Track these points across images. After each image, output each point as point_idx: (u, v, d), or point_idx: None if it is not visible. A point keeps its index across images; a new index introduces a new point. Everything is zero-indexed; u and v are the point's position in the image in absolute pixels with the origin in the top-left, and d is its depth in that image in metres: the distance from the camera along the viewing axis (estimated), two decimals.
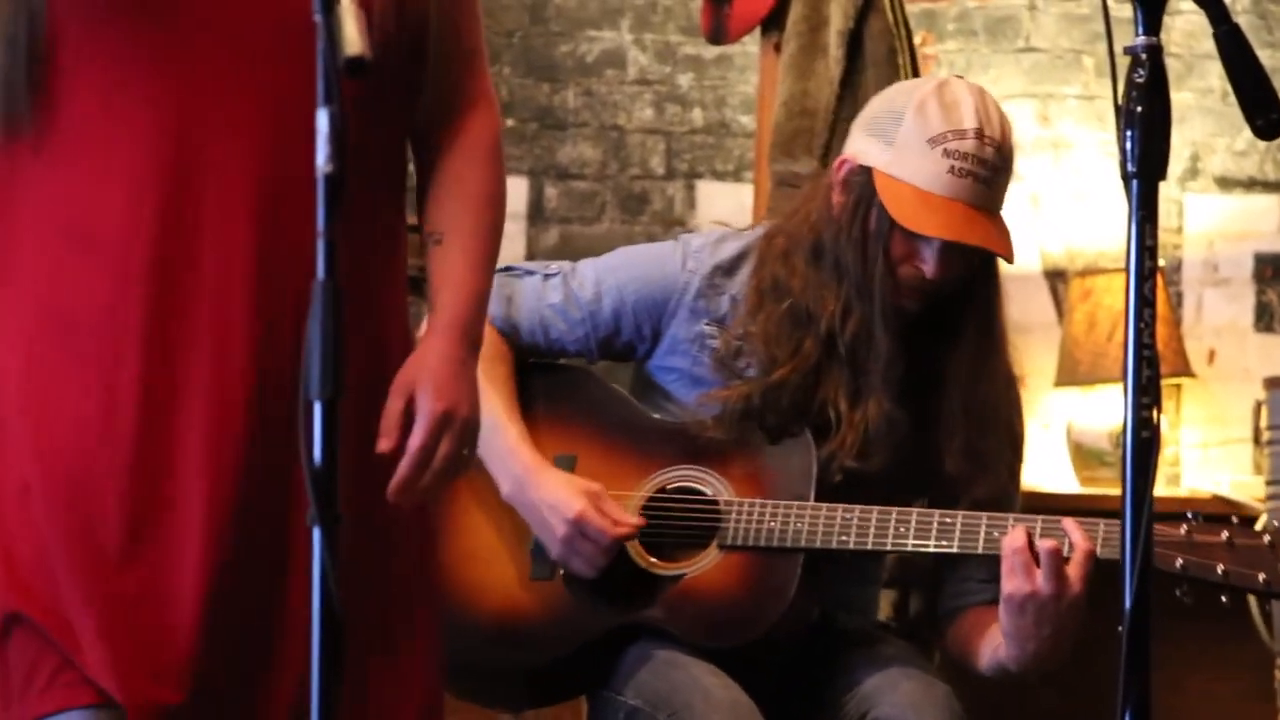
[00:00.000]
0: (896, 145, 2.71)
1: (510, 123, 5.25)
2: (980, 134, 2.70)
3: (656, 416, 2.86)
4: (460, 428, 2.08)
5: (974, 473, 2.75)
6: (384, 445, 2.03)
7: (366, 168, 2.04)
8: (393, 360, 2.10)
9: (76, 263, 1.99)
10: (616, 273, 2.88)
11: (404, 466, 2.04)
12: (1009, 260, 2.74)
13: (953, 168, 2.68)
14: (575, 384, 2.92)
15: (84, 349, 1.98)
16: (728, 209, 5.14)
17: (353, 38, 1.56)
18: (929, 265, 2.69)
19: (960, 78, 2.80)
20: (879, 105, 2.82)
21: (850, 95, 3.78)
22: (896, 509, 2.68)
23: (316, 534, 1.55)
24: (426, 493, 2.08)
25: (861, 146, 2.77)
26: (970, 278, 2.77)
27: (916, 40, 4.09)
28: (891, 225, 2.70)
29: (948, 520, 2.66)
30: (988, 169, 2.70)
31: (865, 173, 2.73)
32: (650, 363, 2.89)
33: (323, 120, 1.59)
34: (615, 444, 2.84)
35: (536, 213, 5.32)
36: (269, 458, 1.99)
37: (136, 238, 1.98)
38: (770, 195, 3.88)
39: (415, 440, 2.05)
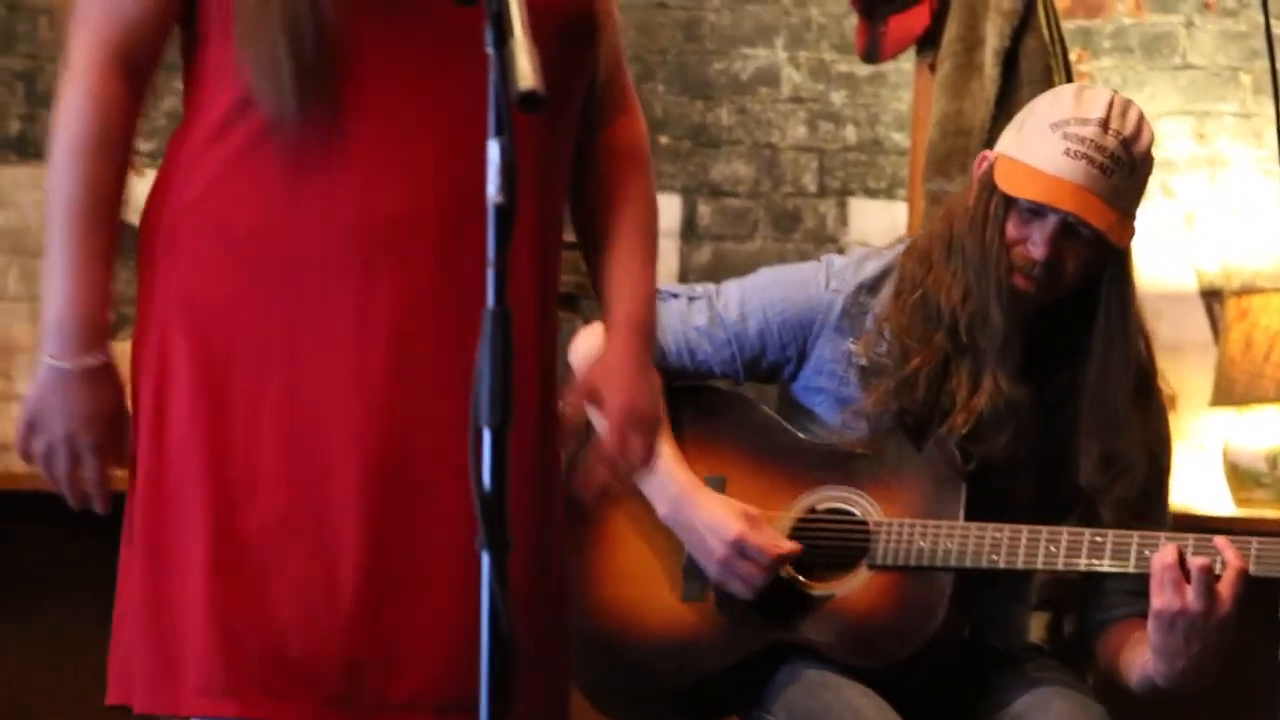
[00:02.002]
0: (1024, 131, 2.75)
1: (664, 140, 5.28)
2: (1104, 124, 2.70)
3: (804, 437, 2.87)
4: (647, 424, 2.14)
5: (1112, 479, 2.75)
6: (570, 444, 2.07)
7: (534, 186, 2.08)
8: (544, 379, 2.14)
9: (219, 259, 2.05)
10: (761, 293, 2.90)
11: (598, 466, 2.08)
12: (1117, 244, 2.73)
13: (1068, 149, 2.69)
14: (723, 405, 2.94)
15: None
16: (880, 226, 5.15)
17: (526, 72, 1.58)
18: (1039, 247, 2.70)
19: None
20: (1027, 106, 2.85)
21: (1005, 114, 3.77)
22: (1046, 528, 2.69)
23: (486, 560, 1.58)
24: (612, 487, 2.13)
25: (1000, 139, 2.81)
26: (1098, 276, 2.77)
27: (1072, 57, 4.08)
28: (1008, 207, 2.72)
29: (1098, 539, 2.66)
30: (1106, 157, 2.70)
31: (993, 160, 2.77)
32: (796, 383, 2.90)
33: (494, 151, 1.62)
34: (764, 465, 2.86)
35: (689, 230, 5.35)
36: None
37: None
38: (924, 214, 3.88)
39: (609, 440, 2.09)
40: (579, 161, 2.20)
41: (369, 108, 2.03)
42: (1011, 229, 2.73)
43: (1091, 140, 2.69)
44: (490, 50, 1.66)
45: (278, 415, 2.03)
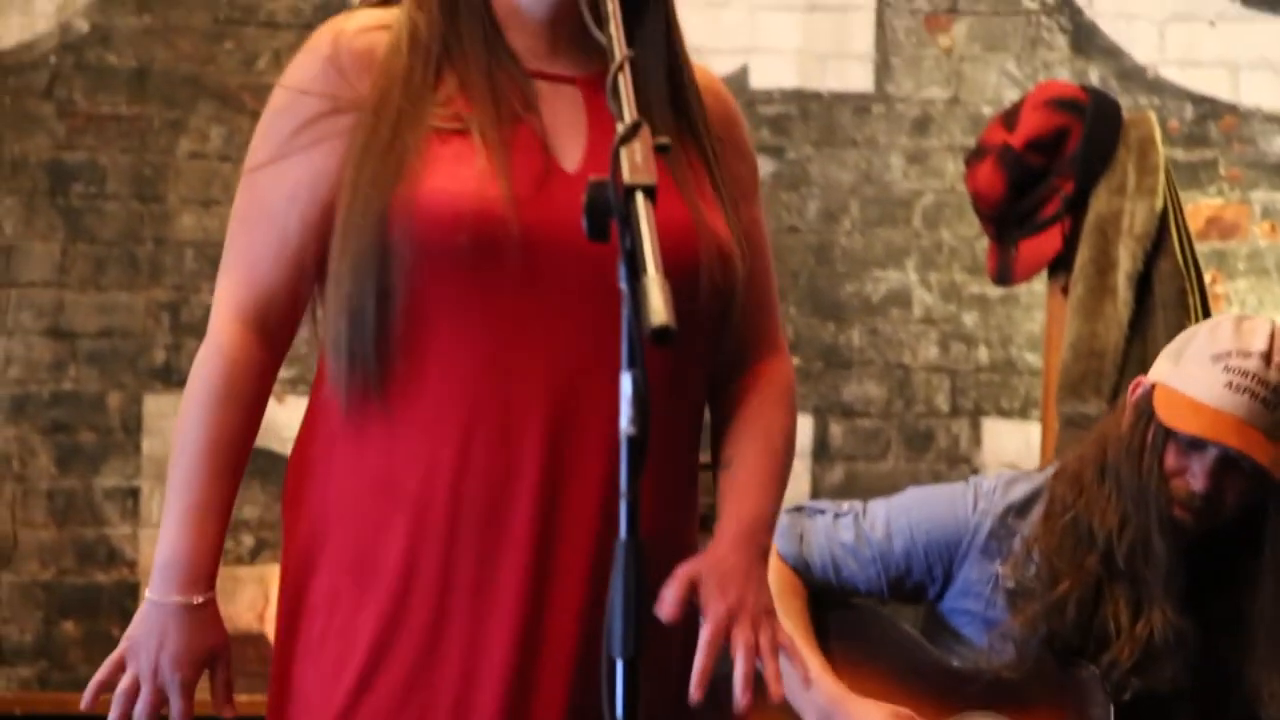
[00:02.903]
0: (1183, 361, 2.74)
1: (796, 361, 5.30)
2: (1267, 357, 2.70)
3: (949, 658, 2.85)
4: (753, 614, 2.08)
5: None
6: (667, 613, 2.04)
7: (668, 417, 2.10)
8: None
9: (380, 512, 2.08)
10: (908, 513, 2.89)
11: (700, 658, 2.07)
12: (1275, 477, 2.71)
13: (1230, 382, 2.68)
14: (867, 623, 2.92)
15: (376, 587, 2.07)
16: (1014, 447, 5.13)
17: (658, 308, 1.59)
18: (1198, 479, 2.68)
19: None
20: (1184, 334, 2.85)
21: (1140, 337, 3.77)
22: None
23: None
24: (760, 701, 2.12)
25: (1155, 367, 2.80)
26: (1259, 504, 2.74)
27: (1207, 279, 4.07)
28: (1167, 437, 2.71)
29: None
30: (1269, 390, 2.69)
31: (1150, 388, 2.75)
32: (942, 604, 2.89)
33: (626, 384, 1.64)
34: (908, 686, 2.84)
35: (821, 450, 5.35)
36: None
37: (436, 490, 2.06)
38: (1058, 436, 3.86)
39: (705, 632, 2.06)
40: (722, 394, 2.22)
41: (448, 371, 2.07)
42: (1170, 459, 2.71)
43: (1254, 374, 2.69)
44: (624, 285, 1.68)
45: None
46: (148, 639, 2.09)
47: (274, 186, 2.11)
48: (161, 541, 2.11)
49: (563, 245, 2.03)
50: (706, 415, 2.23)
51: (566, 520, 2.06)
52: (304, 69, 2.13)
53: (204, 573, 2.10)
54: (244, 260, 2.13)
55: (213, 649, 2.11)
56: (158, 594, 2.10)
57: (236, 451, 2.11)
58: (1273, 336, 2.72)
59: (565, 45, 2.15)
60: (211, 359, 2.11)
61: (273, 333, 2.13)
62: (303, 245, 2.11)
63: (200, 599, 2.10)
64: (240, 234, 2.14)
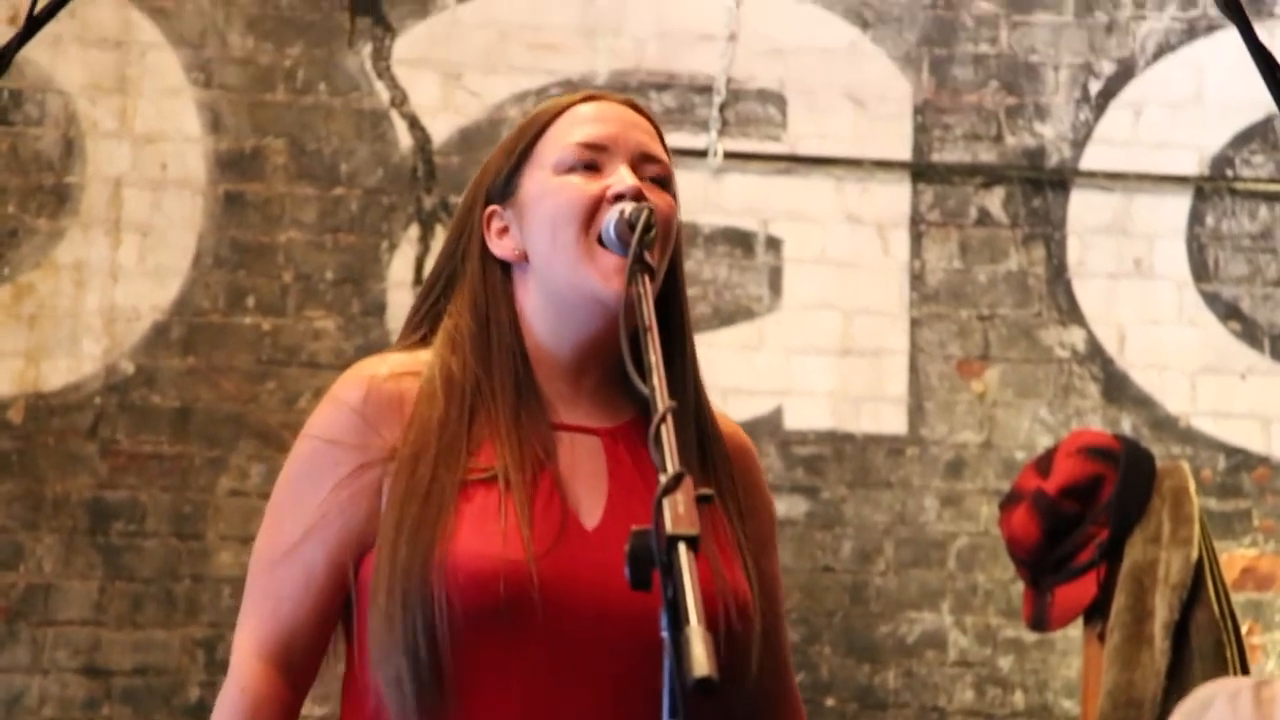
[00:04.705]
0: None
1: (830, 702, 5.27)
2: None
3: None
4: None
5: None
6: None
7: None
8: None
9: None
10: None
11: None
12: None
13: None
14: None
15: None
16: None
17: (701, 660, 1.61)
18: None
19: None
20: (1202, 695, 2.82)
21: (1177, 687, 3.75)
22: None
23: None
24: None
25: None
26: None
27: (1243, 630, 4.06)
28: None
29: None
30: None
31: None
32: None
33: None
34: None
35: None
36: None
37: None
38: None
39: None
40: None
41: (492, 712, 2.09)
42: None
43: None
44: (666, 635, 1.70)
45: None
46: None
47: (299, 529, 2.15)
48: None
49: (581, 603, 2.07)
50: None
51: None
52: (331, 418, 2.18)
53: None
54: (267, 599, 2.16)
55: None
56: None
57: None
58: None
59: (589, 395, 2.21)
60: (235, 697, 2.14)
61: (296, 671, 2.16)
62: (327, 586, 2.15)
63: None
64: (263, 574, 2.17)
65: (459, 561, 2.07)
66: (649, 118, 2.29)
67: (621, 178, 2.19)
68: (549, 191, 2.21)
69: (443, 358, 2.19)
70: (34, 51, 5.23)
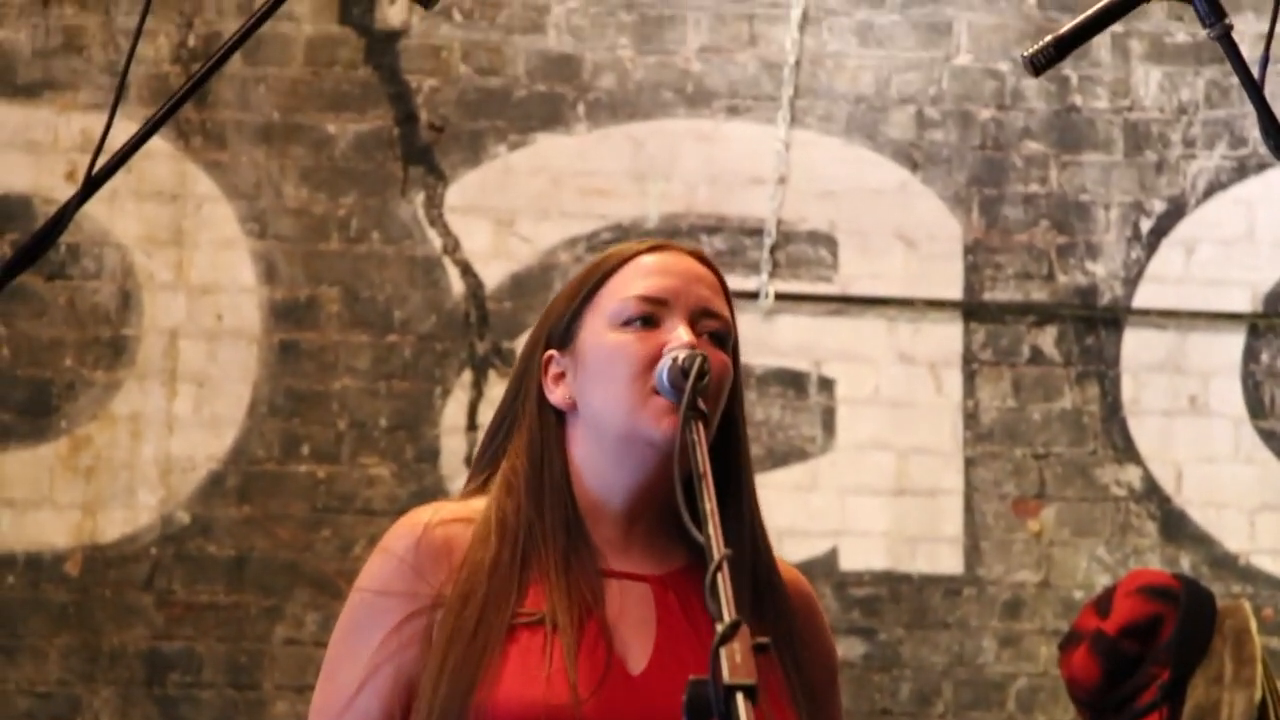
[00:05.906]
0: None
1: None
2: None
3: None
4: None
5: None
6: None
7: None
8: None
9: None
10: None
11: None
12: None
13: None
14: None
15: None
16: None
17: None
18: None
19: None
20: None
21: None
22: None
23: None
24: None
25: None
26: None
27: None
28: None
29: None
30: None
31: None
32: None
33: None
34: None
35: None
36: None
37: None
38: None
39: None
40: None
41: None
42: None
43: None
44: None
45: None
46: None
47: (354, 683, 2.16)
48: None
49: None
50: None
51: None
52: (380, 569, 2.20)
53: None
54: None
55: None
56: None
57: None
58: None
59: (640, 542, 2.21)
60: None
61: None
62: None
63: None
64: None
65: (500, 704, 2.07)
66: (714, 269, 2.27)
67: (679, 336, 2.18)
68: (604, 346, 2.21)
69: (498, 501, 2.20)
70: (91, 206, 5.28)
